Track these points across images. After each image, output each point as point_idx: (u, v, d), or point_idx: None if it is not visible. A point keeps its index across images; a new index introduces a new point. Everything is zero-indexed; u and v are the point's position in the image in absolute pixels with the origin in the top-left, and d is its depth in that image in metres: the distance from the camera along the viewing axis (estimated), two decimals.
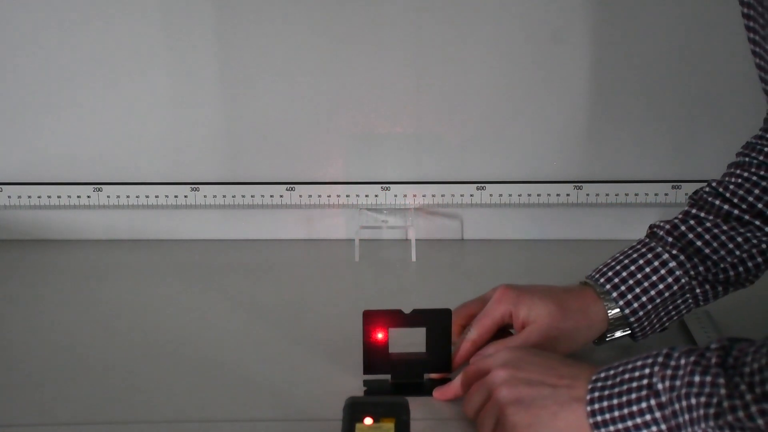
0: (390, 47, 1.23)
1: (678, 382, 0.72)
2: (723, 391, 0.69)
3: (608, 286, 0.94)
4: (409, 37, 1.22)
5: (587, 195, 1.28)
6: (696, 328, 1.02)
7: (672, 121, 1.26)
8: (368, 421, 0.79)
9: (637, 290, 0.93)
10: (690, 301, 0.95)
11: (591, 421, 0.76)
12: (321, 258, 1.27)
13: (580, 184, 1.28)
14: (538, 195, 1.28)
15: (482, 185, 1.28)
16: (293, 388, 0.93)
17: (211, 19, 1.22)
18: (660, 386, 0.73)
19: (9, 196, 1.28)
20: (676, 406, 0.72)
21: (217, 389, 0.93)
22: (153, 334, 1.05)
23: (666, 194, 1.27)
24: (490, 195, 1.28)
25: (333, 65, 1.24)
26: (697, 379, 0.71)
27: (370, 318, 0.90)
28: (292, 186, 1.28)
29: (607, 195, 1.28)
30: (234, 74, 1.24)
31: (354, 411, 0.80)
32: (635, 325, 0.94)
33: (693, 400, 0.70)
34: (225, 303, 1.13)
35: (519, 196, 1.28)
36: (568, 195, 1.28)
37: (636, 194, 1.28)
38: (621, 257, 0.96)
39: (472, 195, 1.28)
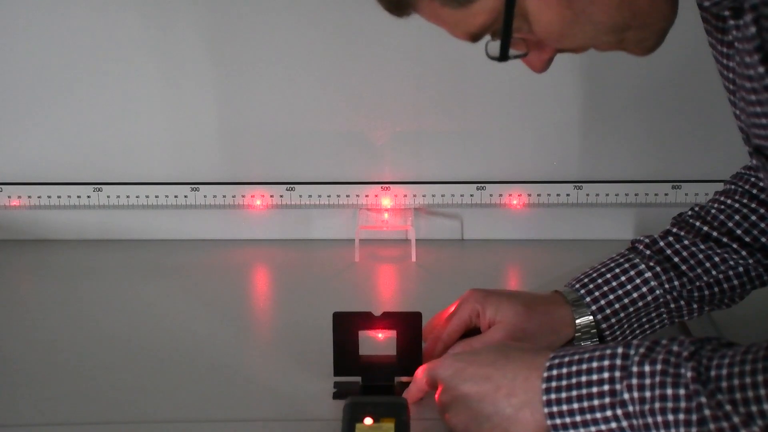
0: (390, 47, 1.23)
1: (648, 394, 0.71)
2: (707, 412, 0.68)
3: (582, 291, 0.94)
4: (410, 37, 1.22)
5: (587, 195, 1.28)
6: (696, 329, 1.02)
7: (672, 121, 1.26)
8: (368, 421, 0.79)
9: (611, 297, 0.94)
10: (664, 315, 0.96)
11: (550, 422, 0.75)
12: (321, 258, 1.27)
13: (580, 184, 1.28)
14: (538, 195, 1.28)
15: (482, 185, 1.28)
16: (293, 388, 0.93)
17: (212, 20, 1.22)
18: (626, 396, 0.72)
19: (9, 196, 1.28)
20: (649, 419, 0.71)
21: (218, 389, 0.93)
22: (153, 334, 1.05)
23: (666, 194, 1.27)
24: (490, 195, 1.28)
25: (333, 65, 1.24)
26: (669, 392, 0.70)
27: (340, 320, 0.90)
28: (292, 186, 1.28)
29: (607, 195, 1.28)
30: (234, 75, 1.24)
31: (354, 411, 0.80)
32: (606, 332, 0.94)
33: (670, 416, 0.69)
34: (225, 303, 1.13)
35: (519, 196, 1.28)
36: (568, 195, 1.28)
37: (636, 194, 1.28)
38: (599, 267, 0.97)
39: (472, 195, 1.28)
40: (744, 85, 0.72)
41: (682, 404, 0.69)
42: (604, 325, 0.94)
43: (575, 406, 0.74)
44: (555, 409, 0.75)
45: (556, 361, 0.76)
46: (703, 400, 0.68)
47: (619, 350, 0.74)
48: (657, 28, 0.76)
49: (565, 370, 0.75)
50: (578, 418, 0.74)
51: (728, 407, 0.67)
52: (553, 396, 0.75)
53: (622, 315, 0.94)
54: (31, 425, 0.88)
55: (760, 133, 0.74)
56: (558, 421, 0.75)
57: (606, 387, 0.73)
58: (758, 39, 0.66)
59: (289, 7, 1.21)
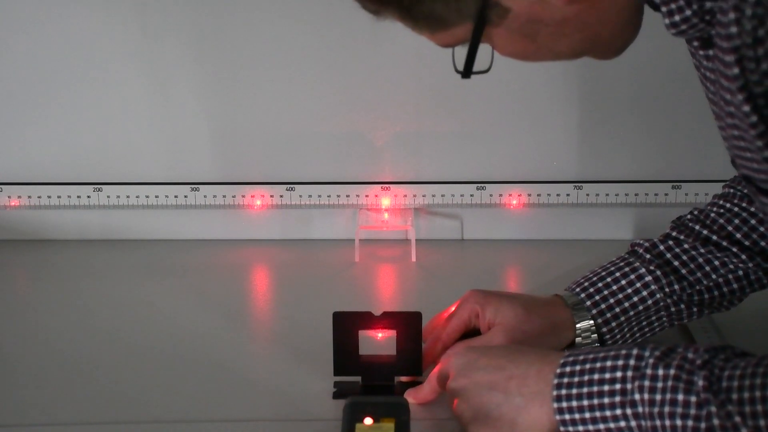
0: (390, 47, 1.23)
1: (658, 397, 0.71)
2: (716, 422, 0.68)
3: (583, 295, 0.95)
4: (410, 36, 1.22)
5: (587, 195, 1.28)
6: (697, 330, 1.02)
7: (672, 121, 1.26)
8: (368, 421, 0.79)
9: (611, 301, 0.94)
10: (664, 319, 0.96)
11: (558, 417, 0.75)
12: (321, 258, 1.27)
13: (580, 184, 1.28)
14: (538, 195, 1.28)
15: (482, 185, 1.28)
16: (293, 388, 0.93)
17: (212, 20, 1.22)
18: (637, 396, 0.72)
19: (9, 196, 1.28)
20: (657, 422, 0.71)
21: (217, 390, 0.93)
22: (153, 334, 1.05)
23: (666, 194, 1.27)
24: (490, 195, 1.28)
25: (333, 65, 1.24)
26: (680, 397, 0.70)
27: (340, 319, 0.90)
28: (292, 186, 1.28)
29: (607, 195, 1.28)
30: (234, 75, 1.24)
31: (354, 411, 0.80)
32: (607, 335, 0.94)
33: (679, 422, 0.70)
34: (225, 303, 1.13)
35: (519, 196, 1.28)
36: (568, 195, 1.28)
37: (636, 194, 1.28)
38: (599, 271, 0.97)
39: (472, 195, 1.28)
40: (723, 116, 0.73)
41: (692, 411, 0.69)
42: (604, 329, 0.94)
43: (585, 402, 0.74)
44: (565, 404, 0.75)
45: (571, 359, 0.77)
46: (713, 409, 0.68)
47: (634, 351, 0.74)
48: (618, 48, 0.81)
49: (578, 368, 0.76)
50: (587, 415, 0.74)
51: (737, 419, 0.68)
52: (563, 391, 0.75)
53: (622, 318, 0.94)
54: (31, 425, 0.88)
55: (745, 164, 0.75)
56: (567, 416, 0.75)
57: (617, 386, 0.73)
58: (742, 79, 0.67)
59: (289, 8, 1.21)
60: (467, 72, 0.79)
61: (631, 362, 0.73)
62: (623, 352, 0.75)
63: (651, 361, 0.72)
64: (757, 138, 0.69)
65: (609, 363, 0.74)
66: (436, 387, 0.87)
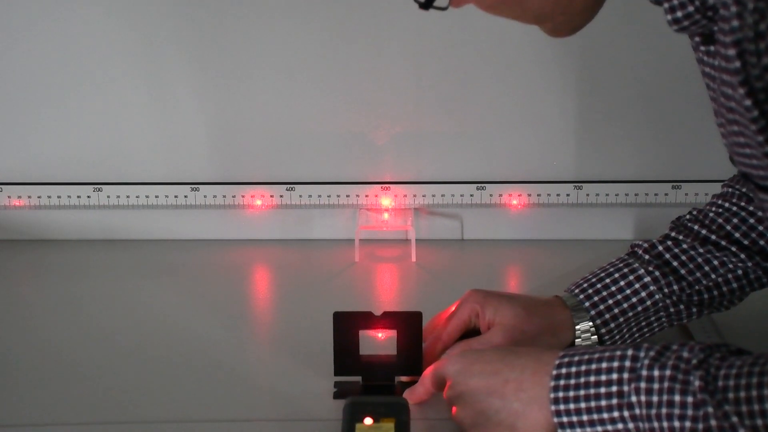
0: (390, 47, 1.23)
1: (655, 398, 0.71)
2: (714, 423, 0.68)
3: (582, 296, 0.95)
4: (409, 36, 1.22)
5: (587, 195, 1.28)
6: (697, 330, 1.02)
7: (672, 121, 1.26)
8: (368, 421, 0.79)
9: (610, 302, 0.94)
10: (663, 319, 0.96)
11: (556, 420, 0.75)
12: (321, 258, 1.27)
13: (580, 184, 1.28)
14: (538, 195, 1.28)
15: (482, 185, 1.28)
16: (293, 388, 0.93)
17: (212, 20, 1.22)
18: (634, 398, 0.72)
19: (9, 196, 1.28)
20: (655, 424, 0.71)
21: (217, 390, 0.93)
22: (153, 334, 1.05)
23: (666, 194, 1.27)
24: (490, 195, 1.28)
25: (333, 65, 1.24)
26: (677, 398, 0.70)
27: (341, 319, 0.90)
28: (292, 186, 1.28)
29: (607, 195, 1.28)
30: (234, 75, 1.24)
31: (354, 411, 0.80)
32: (606, 336, 0.94)
33: (676, 423, 0.70)
34: (225, 303, 1.13)
35: (519, 196, 1.28)
36: (568, 195, 1.28)
37: (636, 194, 1.28)
38: (599, 272, 0.97)
39: (472, 195, 1.28)
40: (723, 113, 0.73)
41: (689, 412, 0.69)
42: (603, 330, 0.94)
43: (582, 405, 0.74)
44: (562, 407, 0.75)
45: (566, 359, 0.77)
46: (710, 410, 0.69)
47: (629, 352, 0.74)
48: (575, 25, 0.82)
49: (574, 369, 0.76)
50: (585, 417, 0.74)
51: (735, 419, 0.68)
52: (560, 394, 0.75)
53: (621, 320, 0.94)
54: (31, 425, 0.88)
55: (744, 161, 0.75)
56: (565, 419, 0.75)
57: (614, 388, 0.73)
58: (743, 73, 0.67)
59: (289, 7, 1.21)
60: (427, 2, 0.78)
61: (627, 363, 0.74)
62: (618, 353, 0.75)
63: (646, 362, 0.73)
64: (757, 133, 0.69)
65: (605, 365, 0.75)
66: (429, 388, 0.87)
